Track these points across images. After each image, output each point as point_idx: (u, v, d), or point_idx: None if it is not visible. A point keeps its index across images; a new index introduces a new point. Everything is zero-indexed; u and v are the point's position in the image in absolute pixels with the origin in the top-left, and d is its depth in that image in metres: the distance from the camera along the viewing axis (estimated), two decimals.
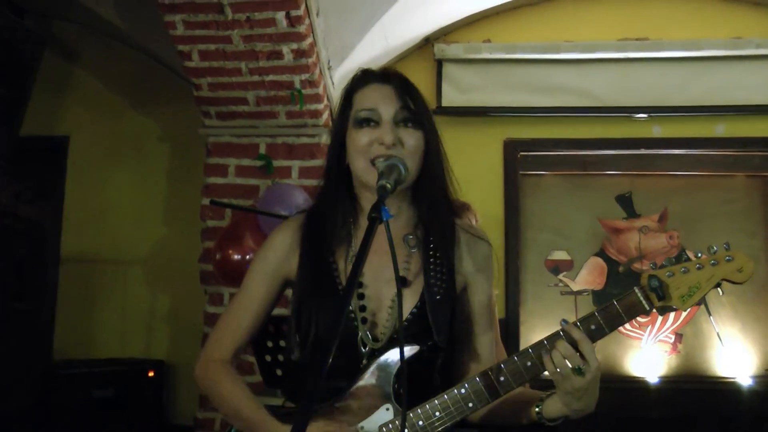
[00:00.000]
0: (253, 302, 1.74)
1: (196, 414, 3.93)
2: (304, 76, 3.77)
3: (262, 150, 4.05)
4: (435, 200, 1.71)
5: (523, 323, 4.25)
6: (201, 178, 4.13)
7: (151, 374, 4.21)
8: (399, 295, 1.47)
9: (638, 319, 4.16)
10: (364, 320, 1.61)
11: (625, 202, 4.39)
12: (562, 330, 1.51)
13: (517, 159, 4.41)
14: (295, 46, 3.64)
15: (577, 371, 1.47)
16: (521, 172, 4.43)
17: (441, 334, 1.60)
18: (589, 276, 4.34)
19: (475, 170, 4.33)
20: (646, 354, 4.23)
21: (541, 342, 1.52)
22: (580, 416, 1.53)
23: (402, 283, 1.64)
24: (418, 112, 1.66)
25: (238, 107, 3.96)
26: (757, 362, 4.17)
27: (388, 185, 1.50)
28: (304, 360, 1.67)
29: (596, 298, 4.29)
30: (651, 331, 4.24)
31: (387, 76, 1.71)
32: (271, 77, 3.79)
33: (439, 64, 4.42)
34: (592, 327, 1.51)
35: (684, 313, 4.22)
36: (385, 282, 1.64)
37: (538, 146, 4.44)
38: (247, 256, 3.70)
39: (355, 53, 4.02)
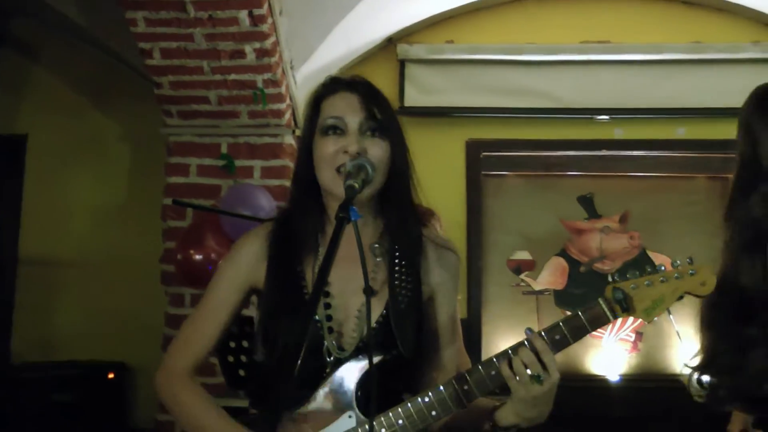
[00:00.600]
0: (218, 312, 1.73)
1: (156, 417, 3.90)
2: (266, 76, 3.77)
3: (224, 150, 4.03)
4: (402, 210, 1.71)
5: (485, 324, 4.28)
6: (162, 177, 4.10)
7: (111, 376, 4.16)
8: (368, 298, 1.47)
9: None
10: (330, 330, 1.61)
11: (587, 203, 4.44)
12: (527, 338, 1.53)
13: (480, 159, 4.44)
14: (257, 45, 3.64)
15: (536, 379, 1.50)
16: (484, 173, 4.46)
17: (405, 343, 1.61)
18: (550, 276, 4.39)
19: (437, 171, 4.29)
20: (607, 352, 4.28)
21: (506, 351, 1.54)
22: (531, 425, 1.56)
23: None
24: (384, 121, 1.66)
25: (200, 106, 3.94)
26: None
27: (356, 185, 1.51)
28: (271, 369, 1.65)
29: (558, 298, 4.34)
30: (612, 330, 4.30)
31: (354, 84, 1.70)
32: (233, 76, 3.78)
33: (402, 64, 4.44)
34: (557, 337, 1.54)
35: None
36: (352, 292, 1.64)
37: (501, 147, 4.48)
38: (211, 256, 3.68)
39: (318, 53, 4.02)
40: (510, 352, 1.54)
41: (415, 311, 1.66)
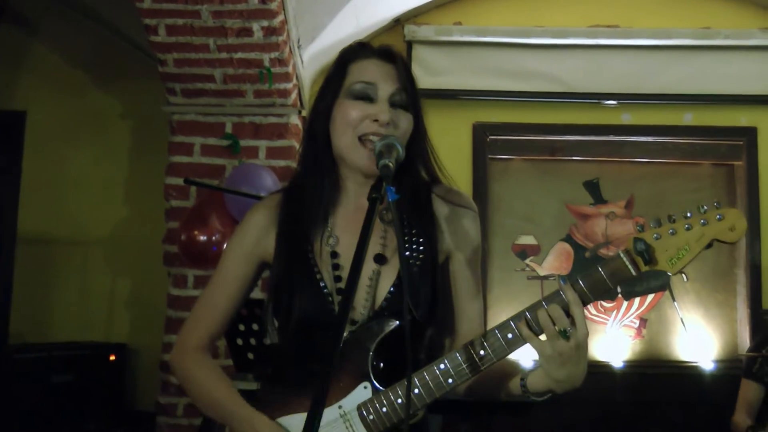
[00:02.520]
0: (229, 285, 1.71)
1: (158, 399, 3.88)
2: (273, 55, 3.72)
3: (229, 129, 4.00)
4: (417, 183, 1.69)
5: (489, 307, 4.26)
6: (164, 156, 4.06)
7: (112, 358, 4.12)
8: (403, 265, 1.42)
9: (604, 304, 4.26)
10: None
11: (593, 188, 4.43)
12: (560, 288, 1.44)
13: (486, 143, 4.42)
14: (265, 23, 3.58)
15: (562, 334, 1.41)
16: (490, 156, 4.44)
17: (419, 309, 1.58)
18: (555, 261, 4.37)
19: (443, 153, 4.16)
20: (611, 339, 4.29)
21: (521, 312, 1.47)
22: (566, 390, 1.47)
23: (379, 260, 1.62)
24: (413, 95, 1.65)
25: (205, 85, 3.89)
26: (718, 347, 4.25)
27: (391, 164, 1.48)
28: (284, 344, 1.63)
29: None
30: (616, 316, 4.29)
31: (391, 54, 1.67)
32: (239, 55, 3.73)
33: (409, 45, 4.38)
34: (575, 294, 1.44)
35: (649, 299, 4.28)
36: None
37: (507, 130, 4.45)
38: (213, 237, 3.64)
39: (326, 33, 3.98)
40: (531, 310, 1.45)
41: (429, 276, 1.62)
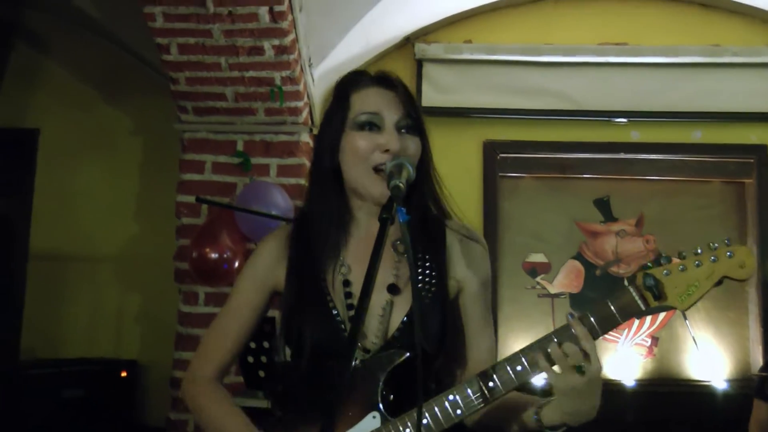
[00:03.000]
0: (241, 314, 1.72)
1: (168, 415, 3.87)
2: (285, 73, 3.74)
3: (240, 147, 4.01)
4: (426, 206, 1.70)
5: (500, 326, 4.25)
6: (175, 174, 4.08)
7: (123, 374, 4.13)
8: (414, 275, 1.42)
9: None
10: None
11: (603, 205, 4.42)
12: (568, 324, 1.46)
13: (496, 160, 4.42)
14: (276, 42, 3.60)
15: (578, 369, 1.42)
16: (500, 174, 4.44)
17: (430, 341, 1.58)
18: (566, 279, 4.36)
19: (453, 171, 4.17)
20: (622, 357, 4.27)
21: (531, 345, 1.49)
22: (580, 422, 1.48)
23: (392, 290, 1.62)
24: (417, 118, 1.66)
25: (216, 103, 3.91)
26: (730, 366, 4.22)
27: (401, 185, 1.48)
28: (297, 371, 1.64)
29: (573, 301, 4.31)
30: (627, 335, 4.27)
31: (390, 81, 1.68)
32: (251, 73, 3.75)
33: (419, 63, 4.41)
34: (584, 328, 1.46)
35: (660, 317, 4.26)
36: (374, 290, 1.60)
37: (517, 148, 4.45)
38: (224, 255, 3.66)
39: (336, 51, 4.00)
40: (541, 344, 1.47)
41: (440, 307, 1.62)
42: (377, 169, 1.60)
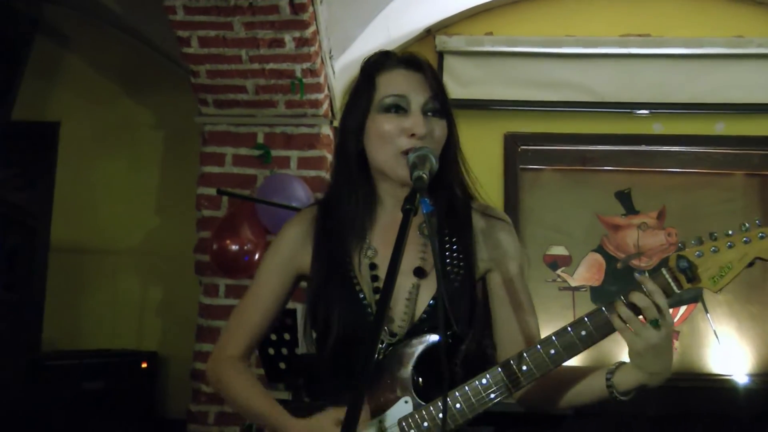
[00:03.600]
0: (265, 297, 1.72)
1: (189, 407, 3.89)
2: (305, 65, 3.73)
3: (260, 139, 4.01)
4: (453, 189, 1.70)
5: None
6: (196, 166, 4.10)
7: (143, 366, 4.13)
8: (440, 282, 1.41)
9: None
10: None
11: (625, 198, 4.39)
12: (638, 281, 1.44)
13: (517, 153, 4.40)
14: (297, 34, 3.60)
15: (654, 323, 1.40)
16: (521, 167, 4.42)
17: (460, 323, 1.57)
18: (587, 272, 4.33)
19: (474, 164, 4.14)
20: None
21: (564, 328, 1.47)
22: (659, 382, 1.46)
23: (418, 273, 1.62)
24: (444, 101, 1.65)
25: (237, 95, 3.92)
26: (753, 361, 4.18)
27: (425, 176, 1.47)
28: (323, 356, 1.64)
29: (594, 295, 4.29)
30: None
31: (418, 63, 1.67)
32: (271, 65, 3.75)
33: (440, 56, 4.39)
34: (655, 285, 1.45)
35: (681, 311, 4.22)
36: (401, 273, 1.58)
37: (539, 140, 4.43)
38: (245, 247, 3.66)
39: (357, 43, 3.99)
40: (586, 319, 1.45)
41: (469, 289, 1.62)
42: (404, 153, 1.58)
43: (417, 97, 1.61)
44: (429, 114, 1.61)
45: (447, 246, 1.65)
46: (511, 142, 4.39)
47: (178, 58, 3.96)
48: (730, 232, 1.45)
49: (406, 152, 1.57)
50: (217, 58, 3.73)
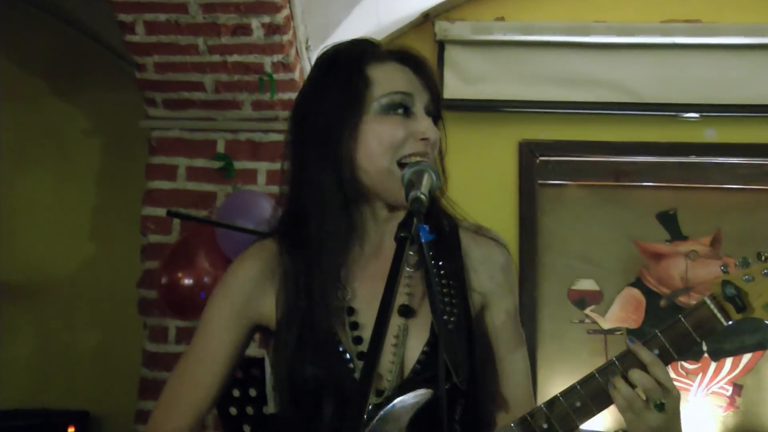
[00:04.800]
0: (214, 356, 1.69)
1: None
2: (276, 58, 3.77)
3: (221, 148, 4.04)
4: (438, 207, 1.72)
5: (540, 368, 4.25)
6: (140, 181, 4.10)
7: (71, 430, 4.12)
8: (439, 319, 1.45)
9: (686, 365, 4.24)
10: None
11: (669, 221, 4.42)
12: (629, 349, 1.51)
13: (535, 165, 4.44)
14: (267, 19, 3.63)
15: (658, 407, 1.47)
16: (540, 182, 4.45)
17: (461, 372, 1.58)
18: (622, 311, 4.36)
19: (482, 178, 4.37)
20: (696, 409, 4.24)
21: (591, 375, 1.53)
22: None
23: (405, 313, 1.63)
24: (440, 106, 1.71)
25: (192, 94, 3.95)
26: None
27: (423, 197, 1.48)
28: (291, 420, 1.65)
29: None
30: (702, 381, 4.25)
31: (415, 59, 1.71)
32: (235, 57, 3.78)
33: (441, 46, 4.44)
34: (656, 351, 1.51)
35: (744, 360, 4.23)
36: None
37: (561, 150, 4.48)
38: (202, 280, 3.67)
39: (340, 31, 4.02)
40: (597, 375, 1.52)
41: (466, 329, 1.64)
42: (402, 163, 1.60)
43: (421, 97, 1.65)
44: (429, 119, 1.65)
45: (436, 276, 1.65)
46: (528, 151, 4.42)
47: (120, 48, 3.98)
48: None
49: (402, 162, 1.60)
50: (168, 47, 3.75)
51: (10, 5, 4.62)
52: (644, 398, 1.48)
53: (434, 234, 1.56)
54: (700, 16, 4.38)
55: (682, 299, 4.35)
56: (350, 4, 3.93)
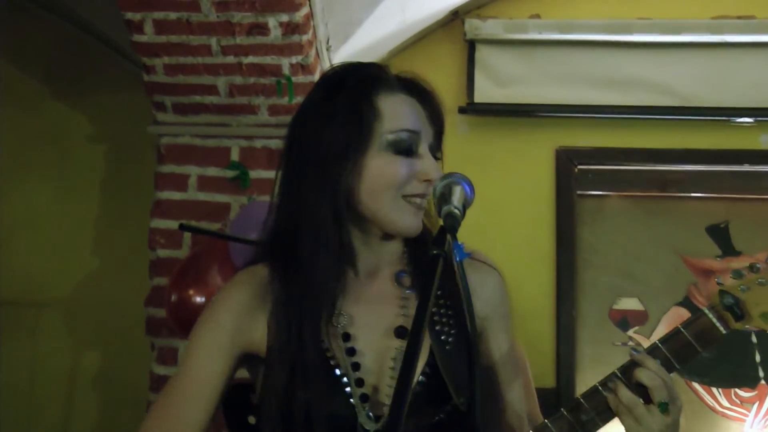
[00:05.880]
0: (202, 387, 1.70)
1: None
2: (295, 59, 3.79)
3: (235, 156, 4.07)
4: (429, 228, 1.79)
5: (581, 392, 4.23)
6: (149, 191, 4.13)
7: None
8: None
9: (740, 393, 4.22)
10: (364, 397, 1.63)
11: (720, 234, 4.41)
12: (633, 360, 1.64)
13: (574, 174, 4.45)
14: (285, 18, 3.64)
15: (663, 407, 1.56)
16: (578, 192, 4.46)
17: (461, 393, 1.64)
18: None
19: (516, 189, 4.38)
20: None
21: (594, 388, 1.66)
22: None
23: (401, 334, 1.69)
24: (442, 140, 1.81)
25: (205, 98, 3.98)
26: None
27: (457, 211, 1.55)
28: None
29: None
30: (759, 411, 4.21)
31: (425, 93, 1.78)
32: (250, 59, 3.81)
33: (471, 45, 4.45)
34: (657, 362, 1.63)
35: None
36: (380, 336, 1.70)
37: (602, 158, 4.48)
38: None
39: (363, 30, 4.05)
40: (605, 386, 1.64)
41: (464, 351, 1.69)
42: (406, 198, 1.68)
43: (427, 135, 1.73)
44: (431, 156, 1.74)
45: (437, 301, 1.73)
46: (566, 159, 4.44)
47: (127, 49, 4.01)
48: None
49: (406, 197, 1.68)
50: (179, 48, 3.78)
51: (9, 3, 4.68)
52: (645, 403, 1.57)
53: (416, 252, 1.73)
54: (754, 12, 4.36)
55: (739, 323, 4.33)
56: (374, 2, 3.93)
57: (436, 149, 1.75)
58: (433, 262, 1.45)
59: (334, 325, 1.69)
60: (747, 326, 1.65)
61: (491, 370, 1.81)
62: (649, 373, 1.58)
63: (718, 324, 1.64)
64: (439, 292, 1.71)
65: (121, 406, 4.30)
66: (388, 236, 1.75)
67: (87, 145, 4.68)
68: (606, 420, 1.63)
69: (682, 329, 1.64)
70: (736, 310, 1.63)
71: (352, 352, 1.67)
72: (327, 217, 1.67)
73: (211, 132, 4.10)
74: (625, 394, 1.58)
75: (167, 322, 3.85)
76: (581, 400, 1.64)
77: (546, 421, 1.63)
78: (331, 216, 1.67)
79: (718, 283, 1.66)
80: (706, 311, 1.65)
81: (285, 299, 1.68)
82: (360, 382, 1.64)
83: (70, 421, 4.43)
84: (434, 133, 1.75)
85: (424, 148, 1.71)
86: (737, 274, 1.66)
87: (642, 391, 1.58)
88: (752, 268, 1.65)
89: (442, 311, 1.72)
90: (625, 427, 1.59)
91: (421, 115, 1.74)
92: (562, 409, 1.64)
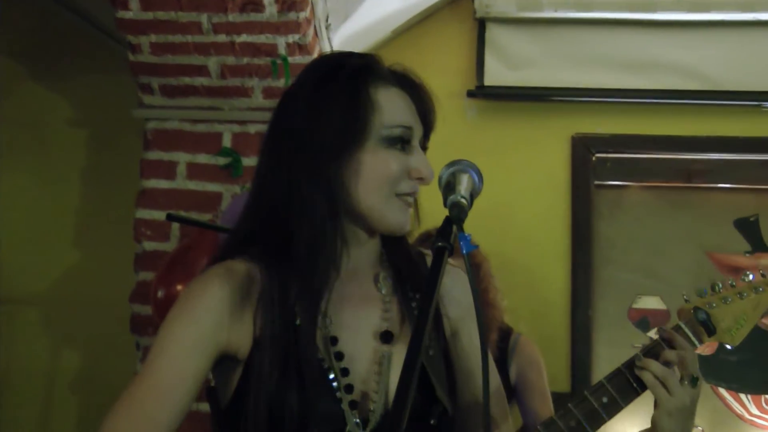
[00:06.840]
0: (174, 386, 1.65)
1: None
2: (292, 38, 3.80)
3: (227, 142, 4.08)
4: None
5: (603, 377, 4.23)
6: (135, 180, 4.13)
7: None
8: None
9: None
10: (353, 404, 1.65)
11: (749, 228, 4.43)
12: (662, 337, 1.81)
13: (591, 163, 4.47)
14: None
15: (693, 382, 1.74)
16: (596, 183, 4.48)
17: (448, 397, 1.74)
18: None
19: (529, 178, 4.41)
20: None
21: (617, 370, 1.80)
22: None
23: (386, 338, 1.73)
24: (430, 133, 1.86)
25: (195, 80, 3.99)
26: None
27: (464, 201, 1.58)
28: None
29: (705, 366, 4.28)
30: None
31: (417, 88, 1.82)
32: (243, 37, 3.82)
33: (481, 24, 4.46)
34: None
35: None
36: (364, 339, 1.73)
37: (622, 146, 4.50)
38: None
39: (364, 8, 4.06)
40: (629, 367, 1.79)
41: (444, 353, 1.80)
42: (398, 195, 1.71)
43: (418, 131, 1.77)
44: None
45: (412, 300, 1.80)
46: (583, 147, 4.45)
47: (111, 26, 4.02)
48: (733, 283, 1.93)
49: (398, 195, 1.73)
50: (167, 26, 3.78)
51: None
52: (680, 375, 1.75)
53: (393, 252, 1.80)
54: None
55: (765, 320, 4.36)
56: None
57: (423, 146, 1.80)
58: (438, 256, 1.47)
59: (319, 327, 1.69)
60: (717, 340, 1.90)
61: (470, 371, 1.85)
62: (679, 351, 1.76)
63: (693, 338, 1.84)
64: (417, 295, 1.79)
65: (102, 410, 4.15)
66: (371, 234, 1.78)
67: (67, 130, 4.68)
68: (627, 401, 1.77)
69: (661, 342, 1.81)
70: (710, 324, 1.86)
71: (340, 356, 1.68)
72: (324, 212, 1.68)
73: (201, 116, 4.11)
74: (658, 367, 1.73)
75: (153, 319, 3.84)
76: (604, 382, 1.77)
77: (569, 405, 1.76)
78: (327, 211, 1.68)
79: (686, 300, 1.90)
80: (682, 325, 1.84)
81: (278, 296, 1.67)
82: (349, 389, 1.66)
83: (48, 424, 4.45)
84: (424, 130, 1.79)
85: (415, 144, 1.75)
86: (702, 292, 1.91)
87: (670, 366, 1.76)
88: (713, 288, 1.91)
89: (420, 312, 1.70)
90: (657, 397, 1.72)
91: (413, 109, 1.77)
92: (585, 391, 1.78)
